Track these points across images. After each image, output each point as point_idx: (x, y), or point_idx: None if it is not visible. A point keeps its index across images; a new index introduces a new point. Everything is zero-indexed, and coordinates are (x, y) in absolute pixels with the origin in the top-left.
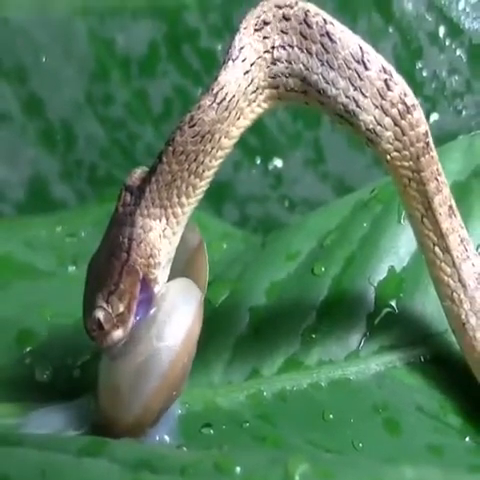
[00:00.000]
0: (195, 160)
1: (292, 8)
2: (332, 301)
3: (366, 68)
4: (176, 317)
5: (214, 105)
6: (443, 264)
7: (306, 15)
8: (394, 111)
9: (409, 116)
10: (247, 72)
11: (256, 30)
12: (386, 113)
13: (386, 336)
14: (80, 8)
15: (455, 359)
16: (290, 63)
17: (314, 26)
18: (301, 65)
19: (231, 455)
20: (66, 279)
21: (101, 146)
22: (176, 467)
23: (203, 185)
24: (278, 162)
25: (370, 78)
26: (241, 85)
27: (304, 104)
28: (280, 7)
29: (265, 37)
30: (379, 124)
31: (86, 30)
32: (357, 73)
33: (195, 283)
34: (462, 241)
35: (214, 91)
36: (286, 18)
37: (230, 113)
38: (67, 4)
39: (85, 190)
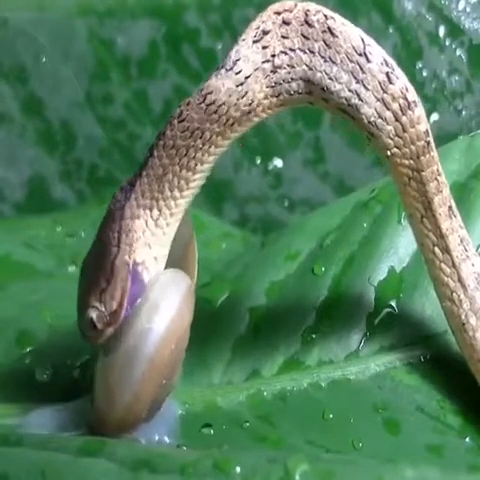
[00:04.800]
0: (186, 155)
1: (291, 11)
2: (332, 301)
3: (368, 60)
4: (164, 301)
5: (202, 105)
6: (443, 264)
7: (306, 15)
8: (395, 105)
9: (410, 112)
10: (241, 84)
11: (254, 42)
12: (387, 107)
13: (386, 336)
14: (79, 8)
15: (455, 359)
16: (293, 67)
17: (315, 24)
18: (304, 66)
19: (231, 455)
20: (66, 279)
21: (101, 146)
22: (175, 466)
23: (197, 178)
24: (278, 162)
25: (372, 71)
26: (232, 96)
27: (308, 104)
28: (279, 13)
29: (264, 47)
30: (380, 117)
31: (86, 30)
32: (359, 65)
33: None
34: (462, 241)
35: (203, 92)
36: (286, 23)
37: (220, 117)
38: (66, 4)
39: (85, 190)
